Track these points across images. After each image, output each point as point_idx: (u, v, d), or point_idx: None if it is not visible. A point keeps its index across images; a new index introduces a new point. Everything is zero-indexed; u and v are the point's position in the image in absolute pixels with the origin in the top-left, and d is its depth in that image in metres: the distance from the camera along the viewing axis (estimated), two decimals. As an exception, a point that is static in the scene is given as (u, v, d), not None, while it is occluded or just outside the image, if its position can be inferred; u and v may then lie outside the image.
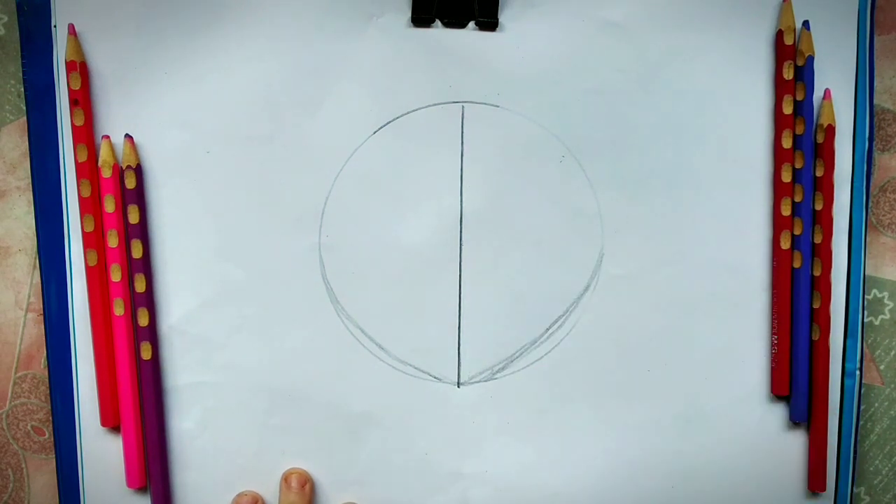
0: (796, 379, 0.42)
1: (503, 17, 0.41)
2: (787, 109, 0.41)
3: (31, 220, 0.42)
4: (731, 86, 0.42)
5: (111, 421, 0.41)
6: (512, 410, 0.42)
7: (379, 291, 0.42)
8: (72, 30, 0.40)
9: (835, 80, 0.42)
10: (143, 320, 0.40)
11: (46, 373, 0.42)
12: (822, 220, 0.41)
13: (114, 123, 0.41)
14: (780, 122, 0.41)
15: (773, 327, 0.42)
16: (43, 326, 0.42)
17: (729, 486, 0.43)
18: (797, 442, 0.43)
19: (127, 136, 0.40)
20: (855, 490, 0.44)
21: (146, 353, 0.41)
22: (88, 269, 0.40)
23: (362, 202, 0.42)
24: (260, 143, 0.41)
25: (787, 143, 0.41)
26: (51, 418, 0.42)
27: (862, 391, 0.43)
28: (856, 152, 0.42)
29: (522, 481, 0.43)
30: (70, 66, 0.39)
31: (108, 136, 0.40)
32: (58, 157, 0.41)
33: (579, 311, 0.42)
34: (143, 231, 0.41)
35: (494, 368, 0.42)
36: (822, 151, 0.41)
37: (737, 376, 0.43)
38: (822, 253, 0.42)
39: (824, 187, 0.41)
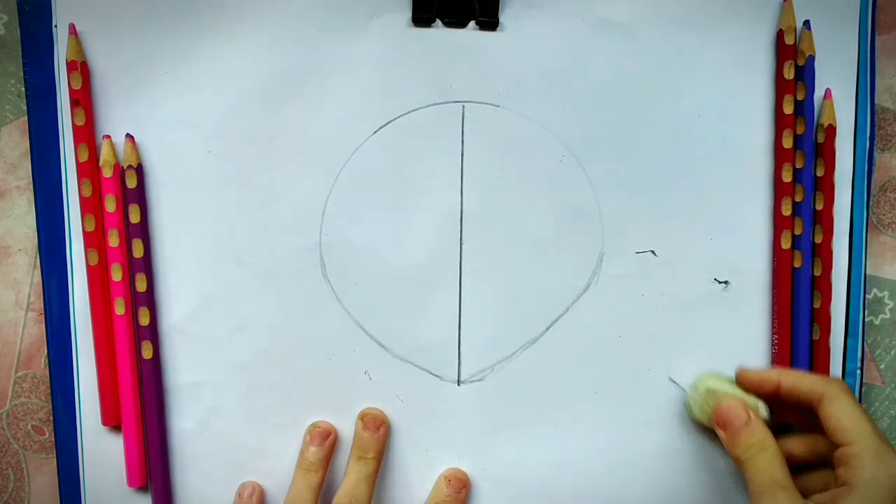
0: (797, 378, 0.42)
1: (503, 17, 0.41)
2: (788, 109, 0.41)
3: (31, 220, 0.42)
4: (731, 85, 0.42)
5: (112, 420, 0.41)
6: (512, 408, 0.42)
7: (379, 290, 0.42)
8: (73, 30, 0.40)
9: (836, 79, 0.42)
10: (144, 319, 0.41)
11: (47, 372, 0.42)
12: (822, 220, 0.41)
13: (115, 123, 0.41)
14: (780, 122, 0.41)
15: (773, 327, 0.42)
16: (43, 326, 0.42)
17: (729, 486, 0.43)
18: (798, 441, 0.43)
19: (128, 135, 0.40)
20: (855, 490, 0.44)
21: (147, 353, 0.41)
22: (89, 269, 0.40)
23: (363, 201, 0.42)
24: (260, 142, 0.41)
25: (787, 142, 0.41)
26: (51, 418, 0.42)
27: (862, 390, 0.43)
28: (856, 152, 0.42)
29: (521, 479, 0.43)
30: (71, 65, 0.40)
31: (108, 136, 0.40)
32: (59, 157, 0.41)
33: (579, 310, 0.42)
34: (143, 230, 0.41)
35: (494, 367, 0.42)
36: (822, 151, 0.41)
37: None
38: (822, 253, 0.42)
39: (825, 187, 0.41)
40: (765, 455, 0.37)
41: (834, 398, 0.37)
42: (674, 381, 0.42)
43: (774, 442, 0.37)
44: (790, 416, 0.40)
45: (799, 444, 0.40)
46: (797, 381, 0.38)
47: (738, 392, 0.40)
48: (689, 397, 0.41)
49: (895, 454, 0.35)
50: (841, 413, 0.36)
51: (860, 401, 0.43)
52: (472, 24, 0.41)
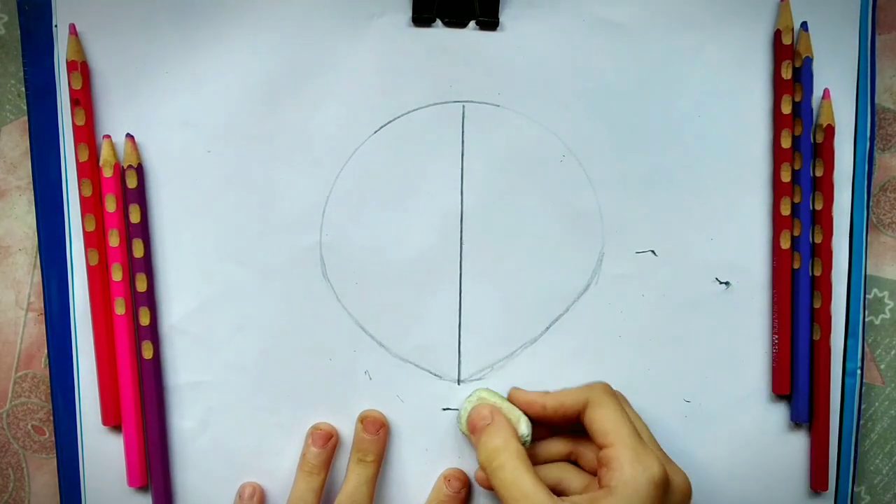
0: (797, 379, 0.42)
1: (504, 17, 0.41)
2: (786, 109, 0.41)
3: (31, 220, 0.42)
4: (731, 85, 0.42)
5: (112, 420, 0.41)
6: (512, 409, 0.42)
7: (380, 290, 0.42)
8: (73, 29, 0.40)
9: (836, 79, 0.42)
10: (145, 319, 0.41)
11: (47, 372, 0.42)
12: (822, 220, 0.41)
13: (115, 123, 0.41)
14: (778, 122, 0.41)
15: (773, 327, 0.42)
16: (43, 326, 0.42)
17: (730, 486, 0.43)
18: (798, 441, 0.43)
19: (128, 135, 0.40)
20: (855, 489, 0.44)
21: (147, 353, 0.41)
22: (89, 269, 0.40)
23: (363, 201, 0.42)
24: (261, 142, 0.41)
25: (786, 142, 0.41)
26: (51, 417, 0.42)
27: (862, 390, 0.43)
28: (857, 152, 0.42)
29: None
30: (71, 65, 0.40)
31: (109, 136, 0.40)
32: (59, 157, 0.41)
33: (579, 310, 0.42)
34: (144, 230, 0.41)
35: (494, 366, 0.42)
36: (821, 151, 0.41)
37: (737, 376, 0.43)
38: (822, 253, 0.42)
39: (824, 187, 0.41)
40: (507, 462, 0.36)
41: (598, 402, 0.37)
42: None
43: (517, 447, 0.37)
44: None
45: (564, 445, 0.40)
46: (561, 398, 0.39)
47: (506, 405, 0.40)
48: (462, 409, 0.41)
49: (653, 455, 0.35)
50: (603, 416, 0.37)
51: (860, 401, 0.43)
52: (472, 24, 0.41)
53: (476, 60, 0.41)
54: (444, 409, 0.42)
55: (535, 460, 0.38)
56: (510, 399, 0.41)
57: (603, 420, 0.37)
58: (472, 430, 0.39)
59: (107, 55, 0.40)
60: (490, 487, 0.38)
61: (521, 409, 0.40)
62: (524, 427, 0.38)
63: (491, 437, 0.38)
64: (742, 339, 0.43)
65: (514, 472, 0.36)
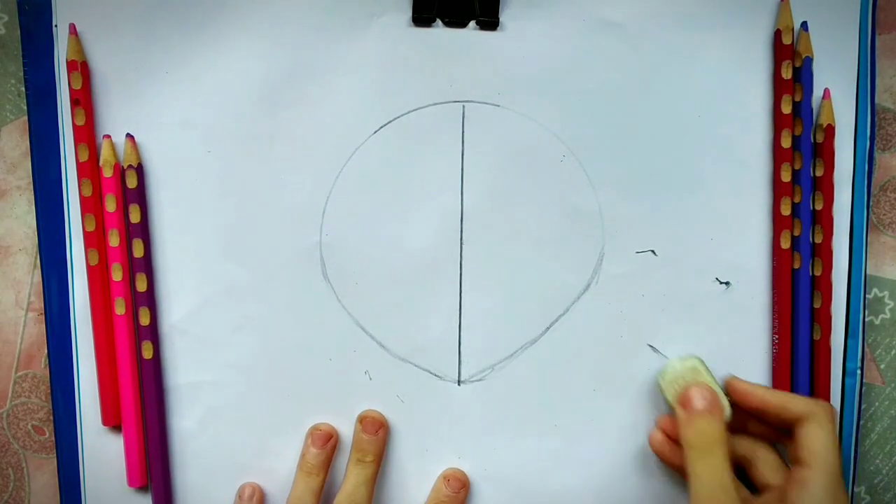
0: (797, 379, 0.42)
1: (504, 17, 0.41)
2: (786, 109, 0.41)
3: (31, 220, 0.42)
4: (731, 85, 0.42)
5: (112, 420, 0.41)
6: (512, 408, 0.42)
7: (380, 290, 0.42)
8: (73, 29, 0.40)
9: (836, 79, 0.42)
10: (145, 319, 0.41)
11: (47, 372, 0.42)
12: (822, 220, 0.41)
13: (115, 123, 0.41)
14: (779, 122, 0.41)
15: (773, 327, 0.42)
16: (44, 326, 0.42)
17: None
18: (798, 441, 0.43)
19: (128, 135, 0.40)
20: (855, 489, 0.44)
21: (147, 353, 0.41)
22: (89, 269, 0.40)
23: (363, 201, 0.42)
24: (261, 142, 0.41)
25: (786, 142, 0.41)
26: (51, 417, 0.42)
27: (862, 391, 0.43)
28: (857, 151, 0.42)
29: (522, 479, 0.43)
30: (71, 65, 0.40)
31: (109, 136, 0.40)
32: (59, 157, 0.41)
33: (579, 310, 0.42)
34: (144, 230, 0.41)
35: (495, 367, 0.42)
36: (821, 151, 0.41)
37: (737, 376, 0.43)
38: (822, 253, 0.42)
39: (824, 187, 0.41)
40: (717, 451, 0.37)
41: (821, 422, 0.37)
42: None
43: (729, 443, 0.37)
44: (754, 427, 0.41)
45: (745, 448, 0.40)
46: (787, 401, 0.39)
47: (716, 388, 0.40)
48: (672, 368, 0.41)
49: (846, 492, 0.36)
50: (819, 436, 0.37)
51: (860, 401, 0.43)
52: (472, 23, 0.41)
53: (476, 60, 0.41)
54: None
55: None
56: (726, 385, 0.40)
57: (818, 440, 0.37)
58: (684, 404, 0.39)
59: (107, 55, 0.40)
60: (663, 456, 0.41)
61: (733, 397, 0.40)
62: (727, 412, 0.39)
63: (711, 423, 0.38)
64: (742, 339, 0.43)
65: (720, 466, 0.37)
